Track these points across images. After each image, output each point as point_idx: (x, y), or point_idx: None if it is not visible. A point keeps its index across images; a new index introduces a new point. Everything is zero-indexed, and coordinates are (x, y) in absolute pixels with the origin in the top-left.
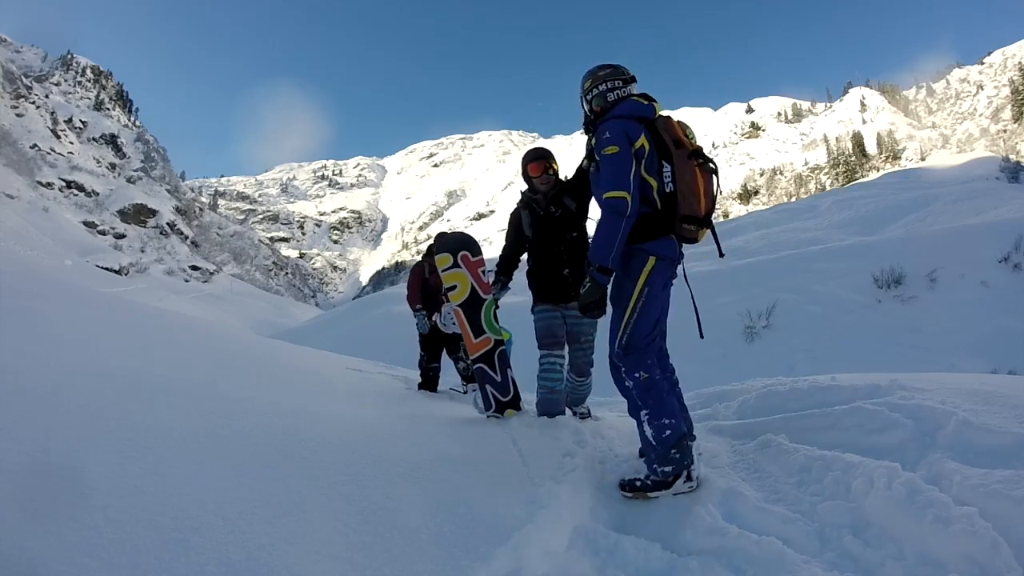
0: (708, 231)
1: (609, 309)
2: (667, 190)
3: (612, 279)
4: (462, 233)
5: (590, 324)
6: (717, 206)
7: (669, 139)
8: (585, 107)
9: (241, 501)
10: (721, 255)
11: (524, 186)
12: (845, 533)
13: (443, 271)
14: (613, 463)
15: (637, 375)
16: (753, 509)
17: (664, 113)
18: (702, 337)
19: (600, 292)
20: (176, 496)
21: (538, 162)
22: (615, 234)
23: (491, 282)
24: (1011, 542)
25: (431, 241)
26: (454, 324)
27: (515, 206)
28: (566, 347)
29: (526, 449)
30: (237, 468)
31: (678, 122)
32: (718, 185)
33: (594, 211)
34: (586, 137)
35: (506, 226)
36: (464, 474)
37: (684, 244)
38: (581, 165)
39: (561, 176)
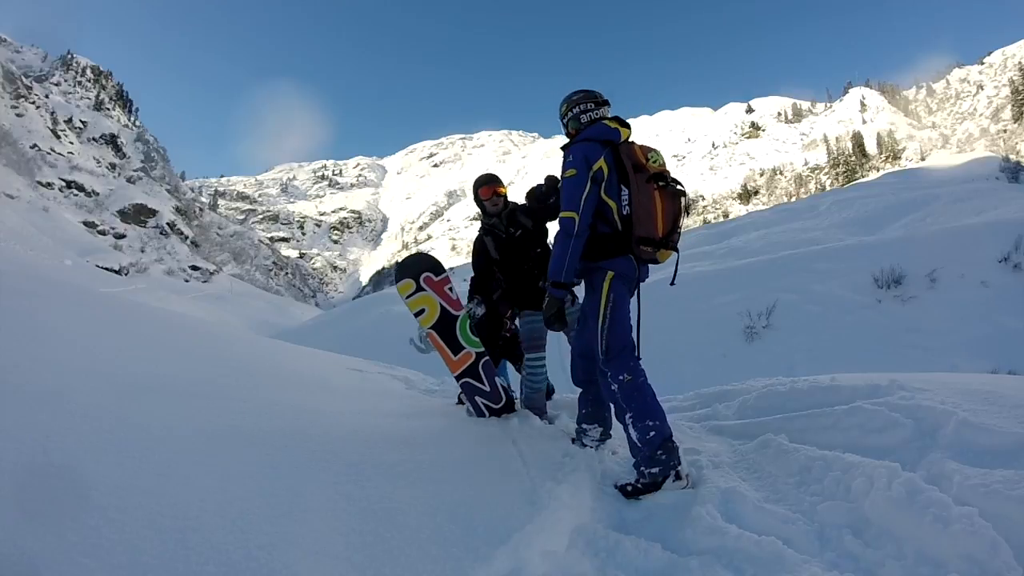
0: (672, 254)
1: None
2: (624, 212)
3: (583, 296)
4: (420, 254)
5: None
6: (717, 206)
7: (629, 164)
8: (564, 131)
9: (241, 501)
10: (672, 283)
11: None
12: (845, 533)
13: (407, 298)
14: (613, 463)
15: (621, 377)
16: (753, 509)
17: (631, 139)
18: (639, 358)
19: (557, 306)
20: (176, 496)
21: (488, 186)
22: (565, 251)
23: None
24: (1011, 542)
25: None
26: (431, 347)
27: (477, 234)
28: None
29: (526, 449)
30: (237, 468)
31: (641, 147)
32: (685, 206)
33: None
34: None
35: (471, 249)
36: (464, 474)
37: (645, 264)
38: (533, 189)
39: (516, 199)
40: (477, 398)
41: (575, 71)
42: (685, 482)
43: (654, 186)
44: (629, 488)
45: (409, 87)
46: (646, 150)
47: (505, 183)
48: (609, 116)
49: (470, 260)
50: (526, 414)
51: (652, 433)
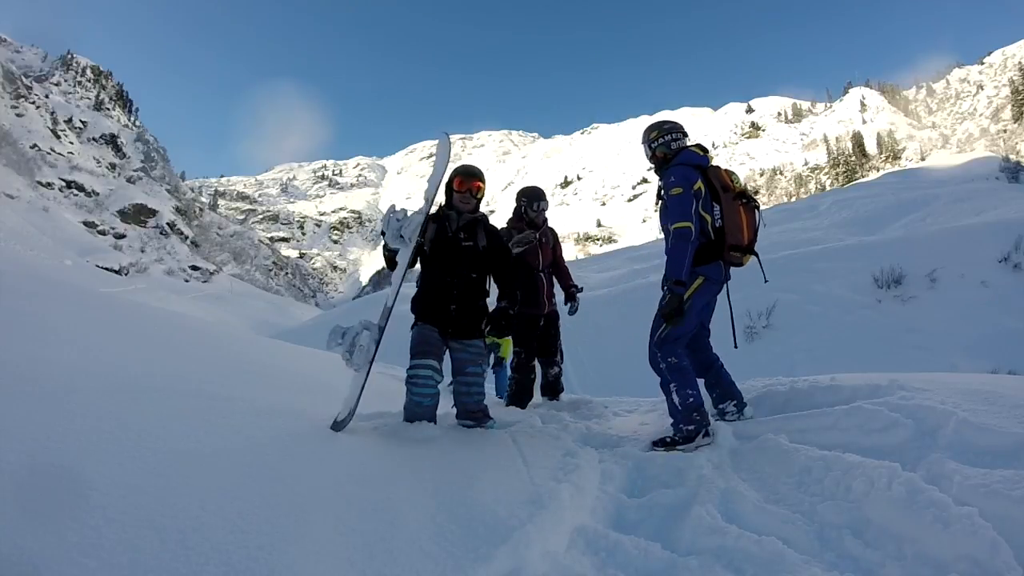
0: (752, 257)
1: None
2: (717, 225)
3: (666, 291)
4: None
5: (476, 355)
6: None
7: (718, 185)
8: (648, 152)
9: (241, 501)
10: (766, 280)
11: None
12: (845, 533)
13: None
14: (613, 463)
15: (670, 359)
16: (753, 509)
17: (715, 163)
18: (736, 347)
19: (678, 301)
20: (176, 496)
21: (466, 178)
22: (684, 254)
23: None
24: (1011, 542)
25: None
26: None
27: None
28: (443, 361)
29: (527, 449)
30: (237, 468)
31: (725, 170)
32: (760, 219)
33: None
34: (657, 176)
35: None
36: (465, 474)
37: (731, 267)
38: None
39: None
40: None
41: (575, 71)
42: (711, 439)
43: (739, 203)
44: (668, 440)
45: (409, 87)
46: (729, 173)
47: (505, 183)
48: (692, 144)
49: None
50: (530, 413)
51: (691, 399)
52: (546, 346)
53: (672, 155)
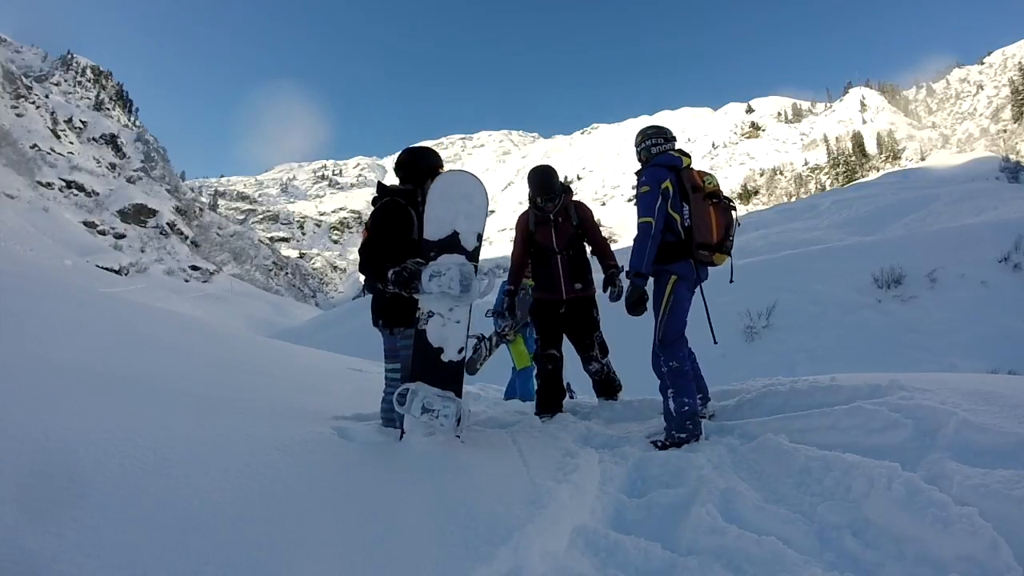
0: (727, 257)
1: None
2: (686, 223)
3: (628, 284)
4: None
5: None
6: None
7: (688, 185)
8: (637, 157)
9: (241, 501)
10: (731, 280)
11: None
12: (845, 533)
13: None
14: (613, 462)
15: (672, 363)
16: (753, 509)
17: (691, 165)
18: (715, 342)
19: (639, 293)
20: (176, 496)
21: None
22: (645, 248)
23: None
24: (1011, 542)
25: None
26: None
27: (394, 200)
28: None
29: (527, 449)
30: (237, 468)
31: (698, 171)
32: (736, 220)
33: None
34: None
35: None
36: (465, 474)
37: (704, 266)
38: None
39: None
40: None
41: (575, 71)
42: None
43: (710, 203)
44: (659, 444)
45: (409, 87)
46: (702, 174)
47: (505, 183)
48: (675, 149)
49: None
50: (527, 415)
51: (686, 408)
52: (578, 338)
53: (652, 159)
